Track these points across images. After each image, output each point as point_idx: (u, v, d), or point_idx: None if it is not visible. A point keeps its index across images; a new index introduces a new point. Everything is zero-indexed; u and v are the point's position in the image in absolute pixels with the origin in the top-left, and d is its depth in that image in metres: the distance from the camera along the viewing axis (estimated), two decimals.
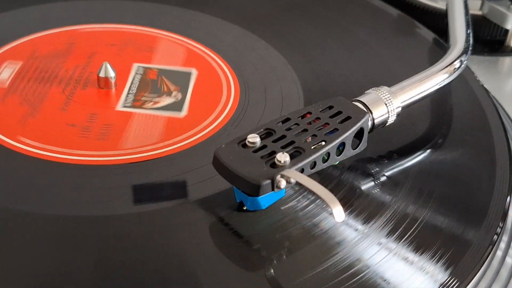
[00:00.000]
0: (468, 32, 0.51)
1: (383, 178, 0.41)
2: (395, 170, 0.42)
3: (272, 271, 0.35)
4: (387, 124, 0.41)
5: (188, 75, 0.49)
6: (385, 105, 0.41)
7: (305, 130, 0.38)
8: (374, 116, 0.40)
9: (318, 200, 0.38)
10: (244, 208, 0.37)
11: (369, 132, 0.40)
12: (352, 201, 0.39)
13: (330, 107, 0.40)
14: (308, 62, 0.52)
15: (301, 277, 0.34)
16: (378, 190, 0.40)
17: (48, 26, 0.54)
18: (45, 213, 0.37)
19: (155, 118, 0.45)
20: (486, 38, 0.64)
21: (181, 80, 0.49)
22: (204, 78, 0.49)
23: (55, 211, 0.37)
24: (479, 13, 0.63)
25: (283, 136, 0.37)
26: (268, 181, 0.35)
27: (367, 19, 0.60)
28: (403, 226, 0.38)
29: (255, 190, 0.35)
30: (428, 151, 0.44)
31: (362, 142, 0.40)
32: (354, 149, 0.39)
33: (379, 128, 0.41)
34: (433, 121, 0.47)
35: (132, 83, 0.48)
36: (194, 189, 0.39)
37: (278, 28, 0.56)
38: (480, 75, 0.56)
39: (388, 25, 0.60)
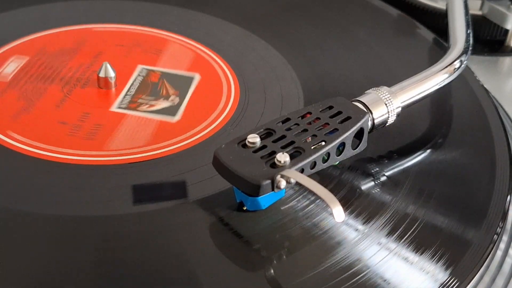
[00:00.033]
0: (468, 32, 0.51)
1: (383, 178, 0.41)
2: (395, 170, 0.42)
3: (272, 271, 0.35)
4: (387, 124, 0.41)
5: (190, 80, 0.49)
6: (385, 105, 0.41)
7: (305, 130, 0.38)
8: (374, 116, 0.40)
9: (318, 200, 0.38)
10: (244, 208, 0.37)
11: (369, 132, 0.40)
12: (352, 201, 0.39)
13: (330, 107, 0.40)
14: (308, 62, 0.52)
15: (301, 277, 0.34)
16: (378, 190, 0.40)
17: (61, 24, 0.54)
18: (43, 212, 0.37)
19: (147, 121, 0.44)
20: (486, 38, 0.64)
21: (182, 84, 0.48)
22: (205, 83, 0.49)
23: (55, 211, 0.37)
24: (479, 13, 0.63)
25: (283, 136, 0.37)
26: (268, 181, 0.35)
27: (367, 19, 0.60)
28: (403, 226, 0.38)
29: (255, 190, 0.35)
30: (428, 151, 0.44)
31: (362, 142, 0.40)
32: (354, 149, 0.39)
33: (379, 128, 0.41)
34: (433, 121, 0.47)
35: (132, 84, 0.48)
36: (194, 189, 0.39)
37: (278, 28, 0.56)
38: (480, 75, 0.56)
39: (388, 25, 0.60)
